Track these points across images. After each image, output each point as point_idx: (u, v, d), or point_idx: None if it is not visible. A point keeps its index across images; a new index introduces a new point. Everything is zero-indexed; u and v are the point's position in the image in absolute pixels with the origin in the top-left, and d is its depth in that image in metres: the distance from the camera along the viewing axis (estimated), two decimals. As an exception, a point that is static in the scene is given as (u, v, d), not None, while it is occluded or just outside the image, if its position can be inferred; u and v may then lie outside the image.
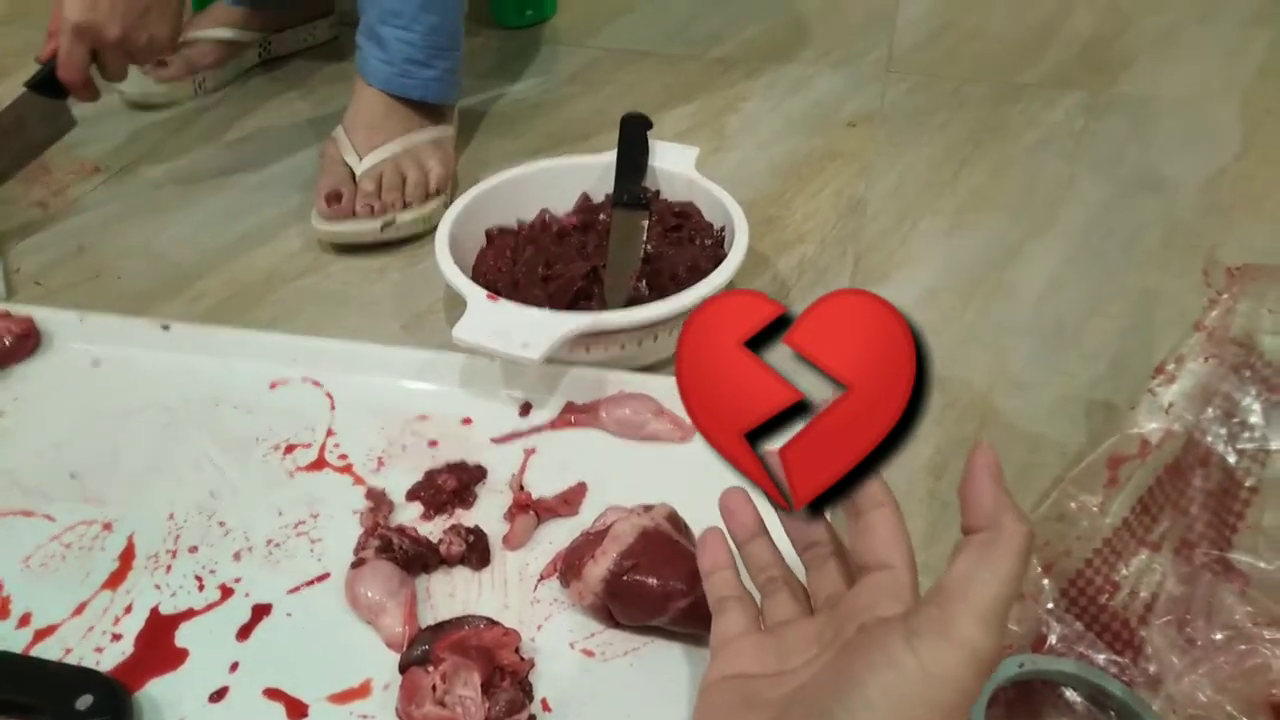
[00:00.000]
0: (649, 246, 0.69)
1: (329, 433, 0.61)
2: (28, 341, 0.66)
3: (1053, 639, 0.44)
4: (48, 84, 0.77)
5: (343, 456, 0.59)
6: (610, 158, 0.76)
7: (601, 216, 0.73)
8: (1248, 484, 0.44)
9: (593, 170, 0.76)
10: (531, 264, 0.67)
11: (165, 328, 0.67)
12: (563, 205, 0.76)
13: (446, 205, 0.80)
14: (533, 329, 0.59)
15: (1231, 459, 0.45)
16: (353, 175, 0.79)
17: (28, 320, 0.67)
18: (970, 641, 0.30)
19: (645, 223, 0.70)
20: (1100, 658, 0.43)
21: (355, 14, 0.83)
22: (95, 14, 0.73)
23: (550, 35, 1.14)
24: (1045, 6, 1.17)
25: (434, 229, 0.77)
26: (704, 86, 1.02)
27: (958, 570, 0.32)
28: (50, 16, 0.76)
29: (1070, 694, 0.42)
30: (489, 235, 0.73)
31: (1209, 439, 0.45)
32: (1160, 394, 0.46)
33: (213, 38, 1.01)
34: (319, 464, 0.59)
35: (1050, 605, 0.45)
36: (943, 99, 0.98)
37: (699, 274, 0.65)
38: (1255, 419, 0.44)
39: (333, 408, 0.63)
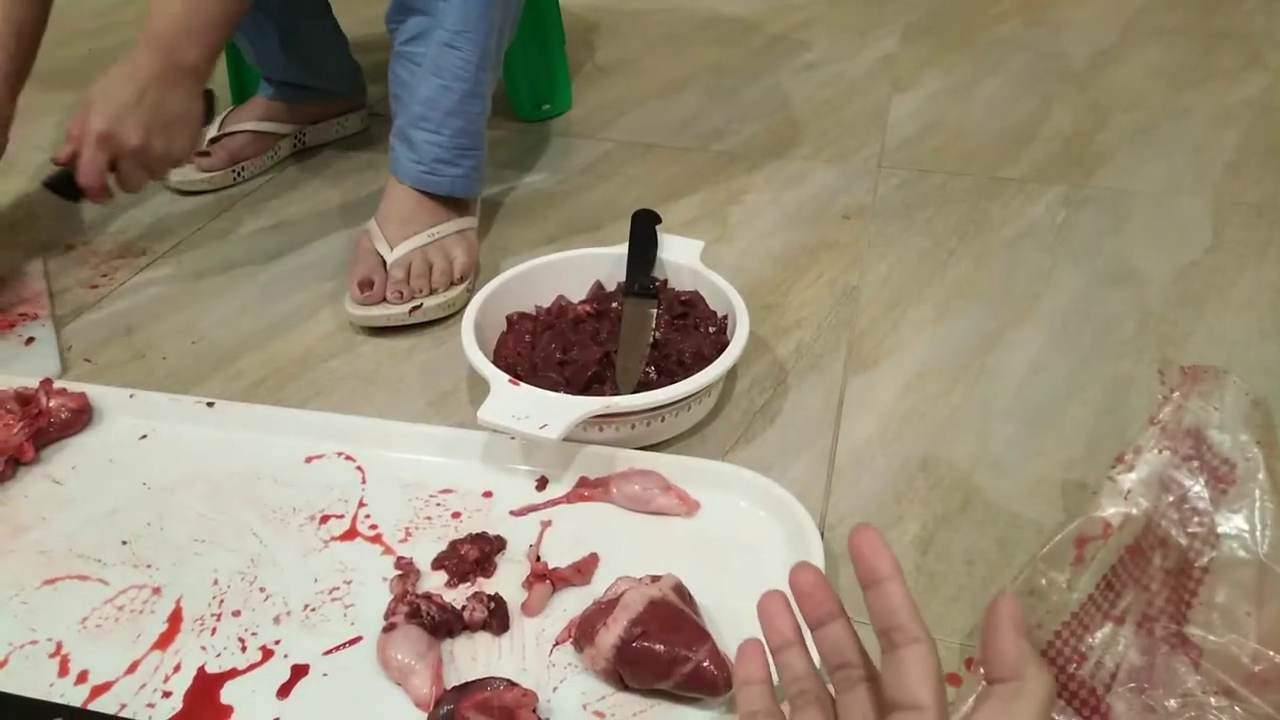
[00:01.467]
0: (658, 334, 0.75)
1: (360, 504, 0.66)
2: (82, 416, 0.72)
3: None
4: (64, 185, 0.82)
5: (373, 527, 0.64)
6: (622, 249, 0.82)
7: (614, 304, 0.79)
8: (1200, 564, 0.49)
9: (606, 260, 0.83)
10: (549, 349, 0.73)
11: (209, 405, 0.73)
12: (578, 292, 0.82)
13: (470, 291, 0.87)
14: (551, 411, 0.64)
15: (1184, 541, 0.49)
16: (384, 264, 0.85)
17: (82, 396, 0.72)
18: None
19: (654, 311, 0.76)
20: (1069, 723, 0.47)
21: (385, 105, 0.90)
22: (120, 125, 0.77)
23: (565, 128, 1.22)
24: (1027, 105, 1.25)
25: (458, 312, 0.84)
26: (708, 179, 1.09)
27: None
28: (71, 116, 0.80)
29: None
30: (510, 320, 0.79)
31: (1164, 523, 0.50)
32: (1120, 480, 0.51)
33: (251, 130, 1.09)
34: (351, 534, 0.64)
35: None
36: (930, 193, 1.05)
37: (703, 360, 0.71)
38: (1204, 505, 0.49)
39: (364, 481, 0.68)
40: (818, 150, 1.15)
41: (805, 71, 1.37)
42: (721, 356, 0.69)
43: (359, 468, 0.69)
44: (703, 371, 0.68)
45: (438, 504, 0.66)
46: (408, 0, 0.85)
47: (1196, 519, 0.49)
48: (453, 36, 0.84)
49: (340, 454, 0.70)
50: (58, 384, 0.73)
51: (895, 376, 0.79)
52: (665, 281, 0.81)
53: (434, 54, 0.85)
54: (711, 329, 0.76)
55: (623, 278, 0.81)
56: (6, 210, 1.03)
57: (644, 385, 0.70)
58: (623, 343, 0.73)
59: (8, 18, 0.84)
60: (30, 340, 0.82)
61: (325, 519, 0.65)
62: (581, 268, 0.83)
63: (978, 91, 1.29)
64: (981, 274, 0.91)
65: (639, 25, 1.55)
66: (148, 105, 0.78)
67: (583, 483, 0.67)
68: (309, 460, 0.69)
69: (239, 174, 1.08)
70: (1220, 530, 0.49)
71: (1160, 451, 0.51)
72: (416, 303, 0.84)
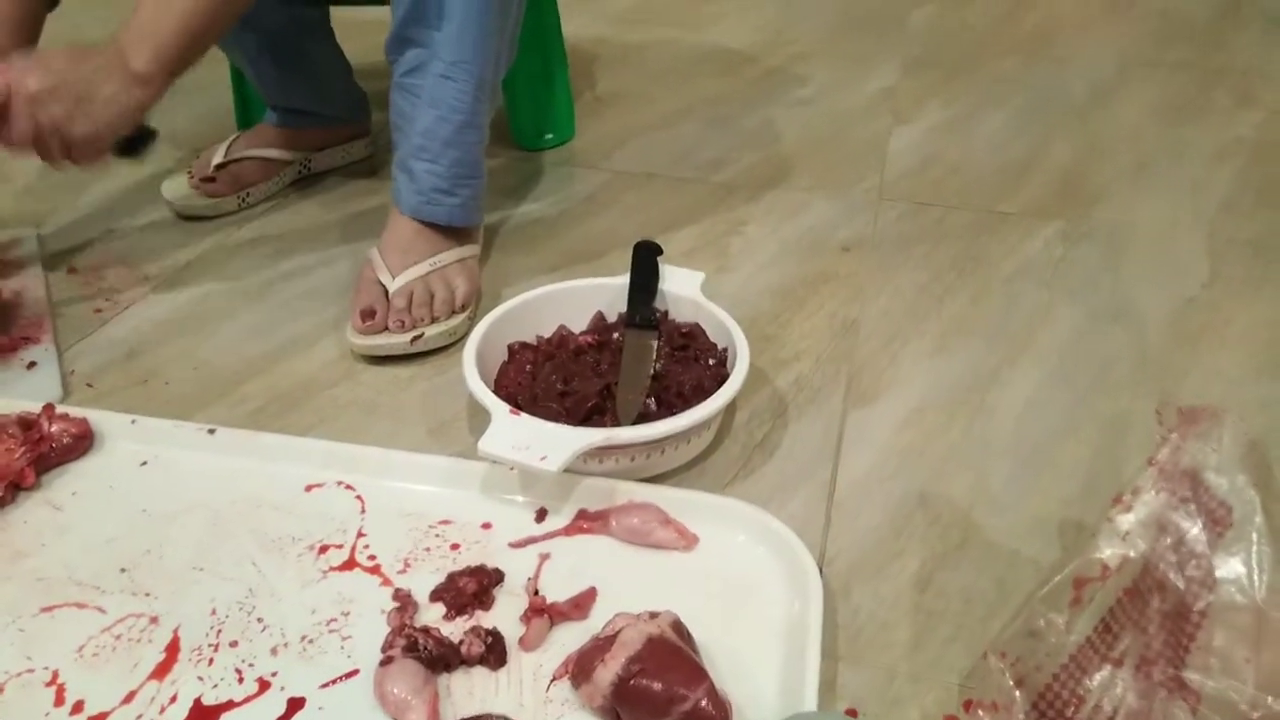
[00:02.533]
0: (658, 366, 0.75)
1: (359, 534, 0.66)
2: (83, 441, 0.72)
3: (1024, 747, 0.48)
4: None
5: (372, 557, 0.64)
6: (623, 280, 0.83)
7: (615, 335, 0.79)
8: (1198, 608, 0.49)
9: (607, 291, 0.83)
10: (550, 380, 0.73)
11: (211, 431, 0.73)
12: (579, 322, 0.83)
13: (471, 319, 0.88)
14: (551, 443, 0.65)
15: (1182, 585, 0.49)
16: (386, 293, 0.85)
17: (84, 422, 0.73)
18: None
19: (655, 343, 0.77)
20: (1067, 766, 0.47)
21: (389, 134, 0.91)
22: (51, 94, 0.76)
23: (567, 157, 1.23)
24: (1026, 139, 1.26)
25: (459, 341, 0.85)
26: (708, 209, 1.10)
27: None
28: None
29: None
30: (511, 350, 0.79)
31: (1162, 565, 0.50)
32: (1118, 522, 0.51)
33: (256, 156, 1.09)
34: (350, 564, 0.64)
35: (1021, 717, 0.50)
36: (929, 227, 1.06)
37: (703, 393, 0.71)
38: (1201, 548, 0.49)
39: (363, 510, 0.68)
40: (818, 182, 1.16)
41: (805, 103, 1.38)
42: (721, 390, 0.70)
43: (359, 497, 0.69)
44: (702, 405, 0.68)
45: (436, 535, 0.66)
46: (405, 33, 0.86)
47: (1194, 562, 0.50)
48: (449, 68, 0.85)
49: (340, 483, 0.70)
50: (59, 409, 0.73)
51: (894, 411, 0.79)
52: (666, 313, 0.82)
53: (431, 85, 0.86)
54: (711, 361, 0.77)
55: (624, 308, 0.81)
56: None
57: (644, 417, 0.70)
58: (623, 374, 0.74)
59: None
60: (32, 364, 0.83)
61: (324, 549, 0.65)
62: (583, 298, 0.83)
63: (977, 125, 1.31)
64: (979, 309, 0.92)
65: (640, 57, 1.57)
66: (79, 84, 0.77)
67: (582, 515, 0.67)
68: (309, 489, 0.69)
69: (244, 200, 1.09)
70: (1218, 574, 0.49)
71: (1158, 493, 0.51)
72: (418, 332, 0.84)
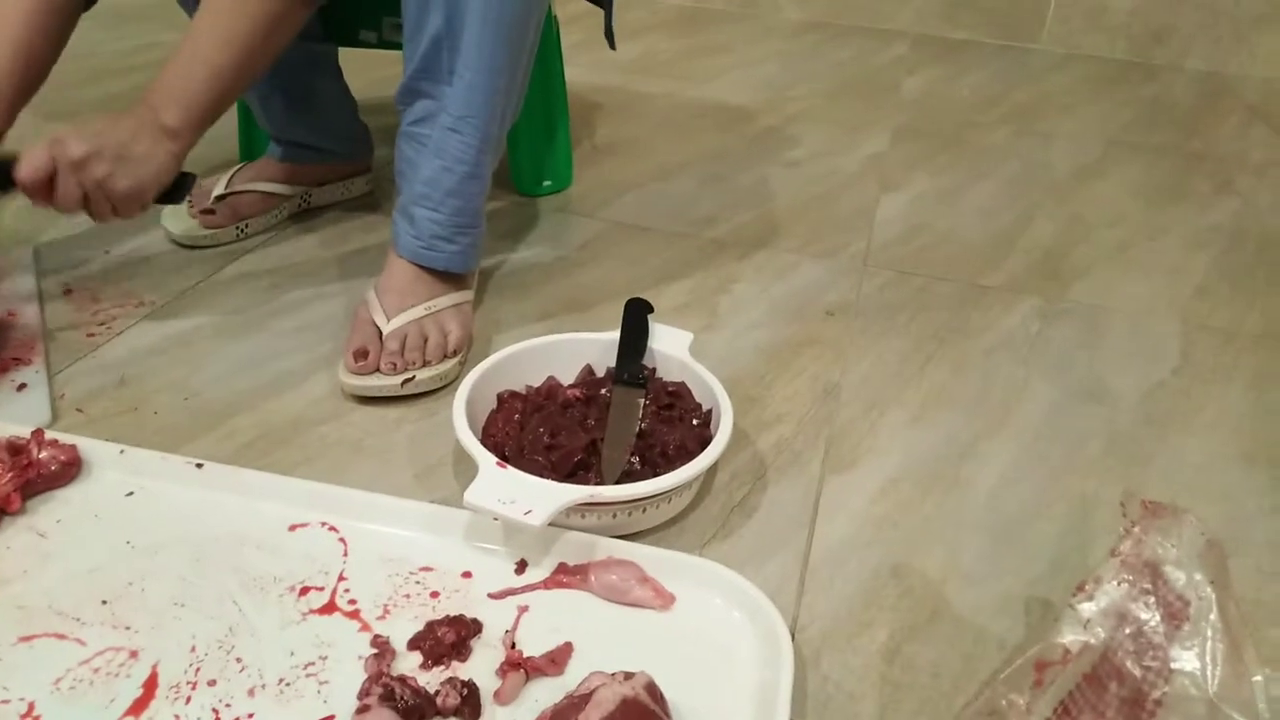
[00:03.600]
0: (644, 424, 0.77)
1: (341, 577, 0.67)
2: (71, 469, 0.73)
3: (981, 827, 0.49)
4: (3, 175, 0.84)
5: (352, 602, 0.65)
6: (613, 336, 0.85)
7: (604, 391, 0.81)
8: (1153, 696, 0.51)
9: (597, 345, 0.85)
10: (538, 432, 0.75)
11: (198, 466, 0.74)
12: (568, 374, 0.84)
13: (462, 364, 0.89)
14: (536, 497, 0.66)
15: (1139, 673, 0.51)
16: (380, 334, 0.87)
17: (73, 449, 0.73)
18: None
19: (642, 401, 0.78)
20: None
21: (391, 169, 0.93)
22: (93, 157, 0.81)
23: (564, 204, 1.26)
24: (1010, 213, 1.30)
25: (450, 385, 0.86)
26: (699, 265, 1.13)
27: None
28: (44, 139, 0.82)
29: None
30: (500, 399, 0.81)
31: (1121, 653, 0.52)
32: (1080, 609, 0.53)
33: (257, 189, 1.11)
34: (330, 608, 0.64)
35: (981, 795, 0.51)
36: (912, 295, 1.09)
37: (686, 453, 0.73)
38: (1159, 639, 0.51)
39: (346, 553, 0.69)
40: (806, 244, 1.19)
41: (798, 165, 1.42)
42: (704, 454, 0.71)
43: (342, 539, 0.70)
44: (685, 467, 0.70)
45: (417, 581, 0.67)
46: (416, 85, 0.88)
47: (1151, 652, 0.52)
48: (456, 121, 0.87)
49: (324, 524, 0.71)
50: (49, 434, 0.74)
51: (871, 480, 0.81)
52: (654, 371, 0.84)
53: (438, 136, 0.88)
54: (696, 422, 0.79)
55: (613, 363, 0.83)
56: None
57: (628, 475, 0.72)
58: (610, 431, 0.75)
59: (15, 39, 0.88)
60: (22, 386, 0.83)
61: (305, 590, 0.65)
62: (573, 351, 0.85)
63: (964, 196, 1.35)
64: (958, 381, 0.95)
65: (641, 108, 1.60)
66: (117, 145, 0.82)
67: (561, 569, 0.68)
68: (293, 528, 0.70)
69: (242, 231, 1.10)
70: (1173, 665, 0.51)
71: (1119, 584, 0.53)
72: (409, 375, 0.85)
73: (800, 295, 1.08)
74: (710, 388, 0.79)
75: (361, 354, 0.85)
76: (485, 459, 0.69)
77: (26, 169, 0.81)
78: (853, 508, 0.78)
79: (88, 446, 0.74)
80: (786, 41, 2.03)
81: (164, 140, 0.84)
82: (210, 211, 1.08)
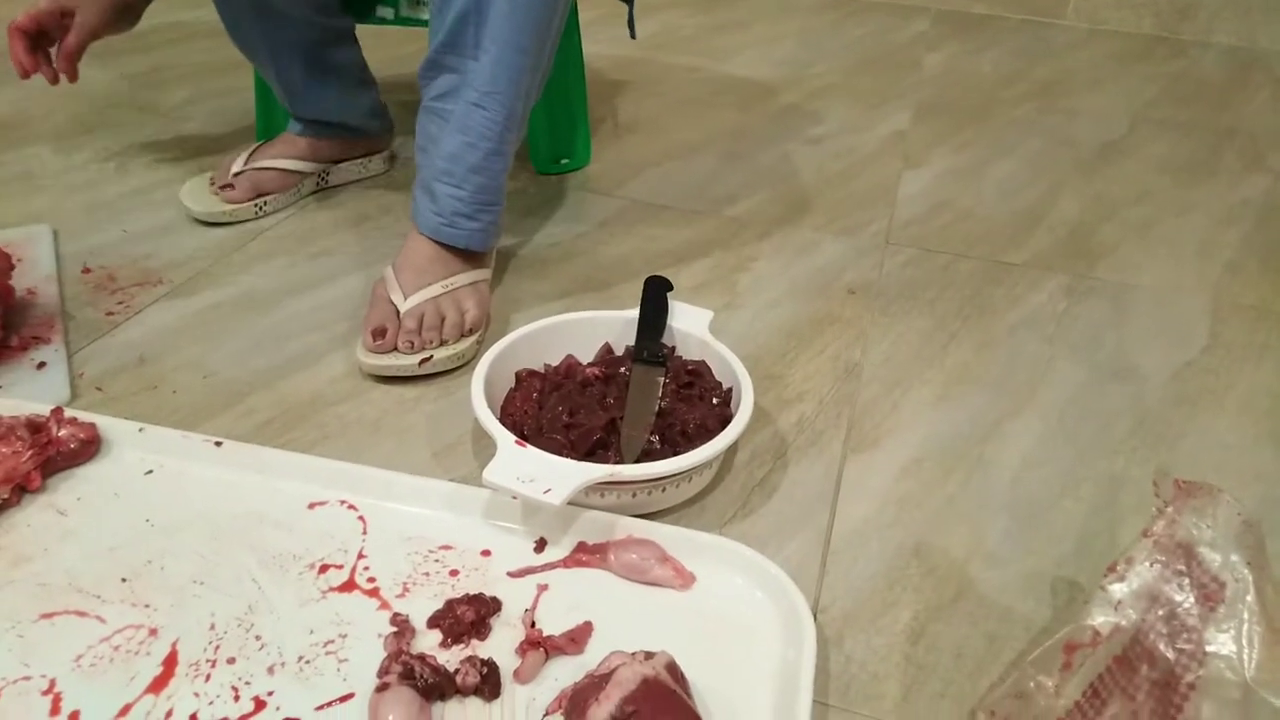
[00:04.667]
0: (663, 402, 0.76)
1: (360, 555, 0.66)
2: (91, 447, 0.73)
3: (1008, 810, 0.48)
4: None
5: (371, 580, 0.65)
6: (632, 313, 0.84)
7: (622, 369, 0.80)
8: (1186, 680, 0.50)
9: (616, 323, 0.84)
10: (557, 411, 0.74)
11: (217, 444, 0.73)
12: (587, 352, 0.84)
13: (480, 343, 0.88)
14: (555, 476, 0.65)
15: (1172, 656, 0.50)
16: (398, 313, 0.86)
17: (92, 427, 0.73)
18: None
19: (662, 380, 0.77)
20: (1050, 831, 0.47)
21: (409, 148, 0.92)
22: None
23: (582, 182, 1.24)
24: (1035, 190, 1.28)
25: (467, 364, 0.85)
26: (719, 243, 1.11)
27: None
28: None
29: None
30: (519, 377, 0.80)
31: (1153, 636, 0.51)
32: (1111, 590, 0.52)
33: (276, 166, 1.10)
34: (349, 585, 0.64)
35: (1008, 777, 0.50)
36: (935, 273, 1.07)
37: (706, 432, 0.72)
38: (1193, 622, 0.50)
39: (365, 532, 0.68)
40: (827, 222, 1.17)
41: (818, 142, 1.40)
42: (724, 432, 0.70)
43: (361, 517, 0.69)
44: (706, 446, 0.69)
45: (436, 560, 0.66)
46: (439, 58, 0.87)
47: (1185, 635, 0.50)
48: (481, 97, 0.86)
49: (343, 502, 0.70)
50: (68, 412, 0.74)
51: (894, 459, 0.80)
52: (674, 349, 0.83)
53: (461, 112, 0.87)
54: (716, 400, 0.78)
55: (632, 342, 0.82)
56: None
57: (647, 454, 0.71)
58: (629, 410, 0.74)
59: None
60: (42, 365, 0.83)
61: (324, 568, 0.65)
62: (591, 329, 0.84)
63: (987, 173, 1.32)
64: (981, 360, 0.93)
65: (660, 85, 1.58)
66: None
67: (581, 547, 0.68)
68: (312, 506, 0.70)
69: (260, 208, 1.10)
70: (1208, 649, 0.50)
71: (1151, 565, 0.52)
72: (427, 354, 0.85)
73: (821, 274, 1.07)
74: (730, 366, 0.78)
75: (379, 333, 0.85)
76: (504, 437, 0.69)
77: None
78: (875, 487, 0.77)
79: (107, 425, 0.74)
80: (807, 17, 2.00)
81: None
82: (229, 186, 1.07)
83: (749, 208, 1.20)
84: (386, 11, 1.14)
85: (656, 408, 0.75)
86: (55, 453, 0.71)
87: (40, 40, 0.93)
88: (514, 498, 0.67)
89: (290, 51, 1.06)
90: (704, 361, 0.81)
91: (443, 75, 0.88)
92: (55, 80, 0.95)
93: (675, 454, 0.69)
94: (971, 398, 0.88)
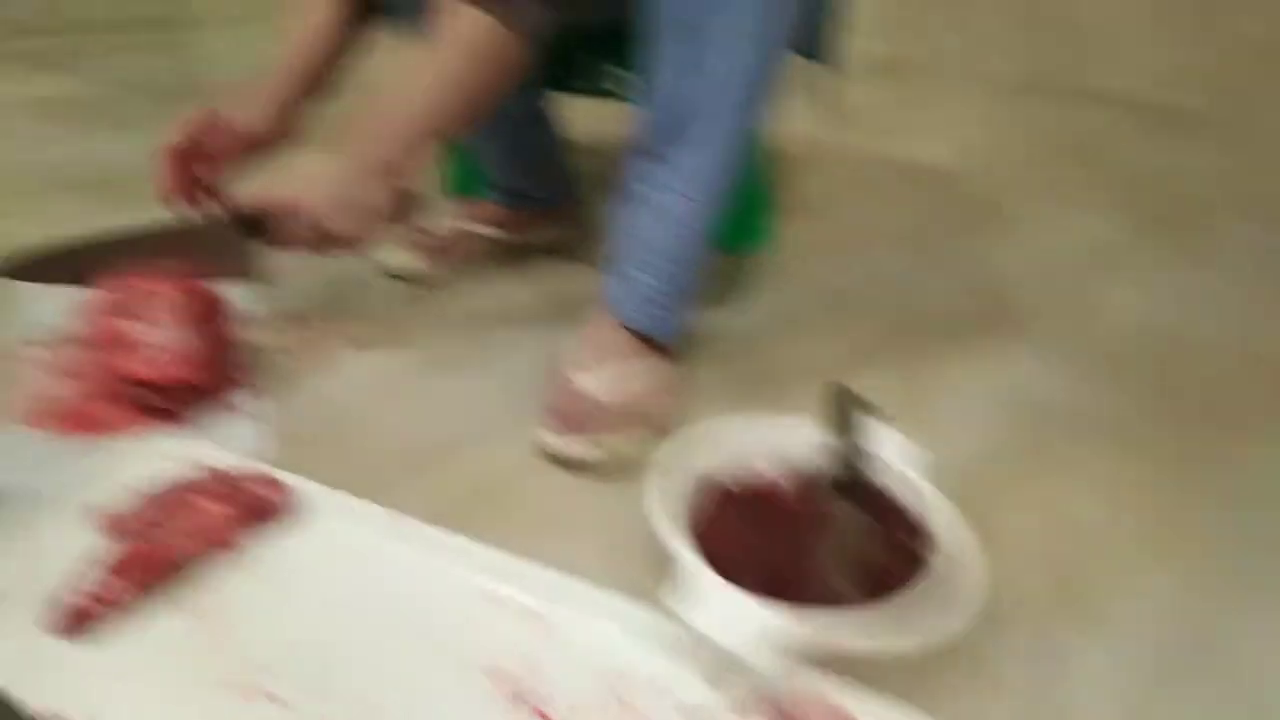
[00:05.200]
0: (874, 554, 0.69)
1: (534, 667, 0.63)
2: (284, 509, 0.72)
3: None
4: (252, 224, 0.87)
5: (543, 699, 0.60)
6: (820, 430, 0.76)
7: (826, 504, 0.73)
8: None
9: (803, 434, 0.77)
10: (770, 550, 0.70)
11: (405, 520, 0.72)
12: (767, 459, 0.77)
13: (662, 436, 0.84)
14: (763, 631, 0.60)
15: None
16: (581, 395, 0.84)
17: (288, 488, 0.72)
18: None
19: (876, 528, 0.71)
20: None
21: (599, 220, 0.90)
22: (327, 217, 0.84)
23: (758, 266, 1.19)
24: (1271, 324, 1.14)
25: (646, 457, 0.81)
26: (901, 347, 1.04)
27: None
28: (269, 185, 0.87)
29: None
30: (708, 492, 0.74)
31: None
32: None
33: (475, 231, 1.11)
34: (520, 699, 0.60)
35: None
36: (1157, 409, 0.96)
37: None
38: None
39: (542, 638, 0.65)
40: (1022, 333, 1.08)
41: (1010, 239, 1.30)
42: (958, 610, 0.64)
43: (538, 620, 0.66)
44: (937, 626, 0.63)
45: (609, 687, 0.62)
46: (654, 146, 0.85)
47: None
48: (687, 187, 0.84)
49: (521, 604, 0.67)
50: (265, 470, 0.73)
51: (1123, 650, 0.70)
52: (882, 487, 0.76)
53: (668, 202, 0.85)
54: (921, 550, 0.71)
55: (821, 457, 0.76)
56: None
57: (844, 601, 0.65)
58: (835, 555, 0.69)
59: (302, 45, 0.93)
60: (239, 414, 0.84)
61: (498, 674, 0.62)
62: (777, 437, 0.78)
63: (1205, 294, 1.19)
64: (1220, 532, 0.81)
65: (837, 164, 1.53)
66: (339, 191, 0.84)
67: (766, 700, 0.62)
68: (487, 601, 0.67)
69: (455, 272, 1.10)
70: None
71: None
72: (608, 443, 0.82)
73: (1023, 395, 0.98)
74: (946, 523, 0.71)
75: (559, 413, 0.83)
76: (709, 578, 0.64)
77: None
78: (1104, 682, 0.67)
79: (299, 486, 0.74)
80: (991, 101, 1.90)
81: (382, 175, 0.84)
82: (426, 247, 1.08)
83: (936, 308, 1.13)
84: (587, 85, 1.12)
85: (868, 560, 0.69)
86: (251, 513, 0.70)
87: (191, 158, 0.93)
88: (715, 650, 0.62)
89: (500, 127, 1.06)
90: (921, 513, 0.74)
91: (651, 161, 0.86)
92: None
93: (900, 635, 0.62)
94: (1213, 581, 0.76)
